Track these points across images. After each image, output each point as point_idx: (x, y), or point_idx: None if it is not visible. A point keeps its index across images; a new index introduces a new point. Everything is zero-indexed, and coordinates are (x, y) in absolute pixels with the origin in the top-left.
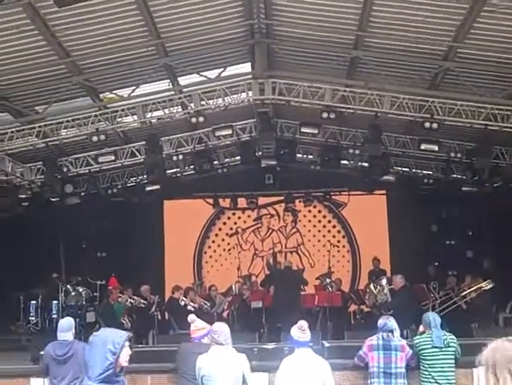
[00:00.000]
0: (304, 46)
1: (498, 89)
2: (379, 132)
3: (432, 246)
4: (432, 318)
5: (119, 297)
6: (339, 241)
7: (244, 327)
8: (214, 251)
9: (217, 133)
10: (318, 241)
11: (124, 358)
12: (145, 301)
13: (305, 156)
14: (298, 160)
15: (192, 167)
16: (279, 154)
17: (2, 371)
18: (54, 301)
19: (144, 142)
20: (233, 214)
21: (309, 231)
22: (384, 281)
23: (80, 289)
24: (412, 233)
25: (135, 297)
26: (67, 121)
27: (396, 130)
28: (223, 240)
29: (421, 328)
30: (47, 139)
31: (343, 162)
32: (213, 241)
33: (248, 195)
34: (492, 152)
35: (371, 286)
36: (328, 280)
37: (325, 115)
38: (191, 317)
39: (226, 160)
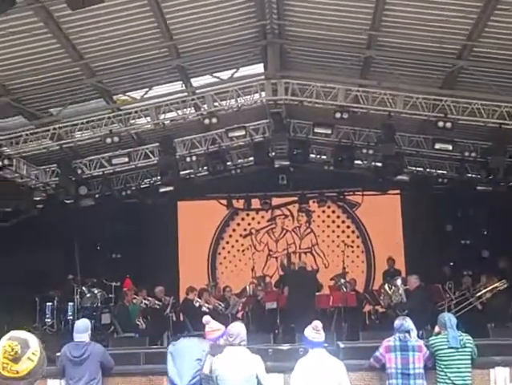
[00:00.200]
0: (317, 46)
1: None
2: (393, 132)
3: (447, 246)
4: (448, 318)
5: (134, 298)
6: (353, 242)
7: (258, 328)
8: (228, 252)
9: (231, 134)
10: (333, 241)
11: (207, 366)
12: (160, 303)
13: (318, 156)
14: (311, 161)
15: (205, 168)
16: (292, 154)
17: None
18: (70, 303)
19: (157, 143)
20: (247, 215)
21: (323, 231)
22: (399, 282)
23: (95, 291)
24: (426, 232)
25: (149, 299)
26: (81, 123)
27: (409, 129)
28: (237, 241)
29: (437, 329)
30: (61, 142)
31: (356, 162)
32: (227, 242)
33: (262, 196)
34: (507, 151)
35: (386, 287)
36: (343, 280)
37: (338, 115)
38: (206, 318)
39: (240, 160)
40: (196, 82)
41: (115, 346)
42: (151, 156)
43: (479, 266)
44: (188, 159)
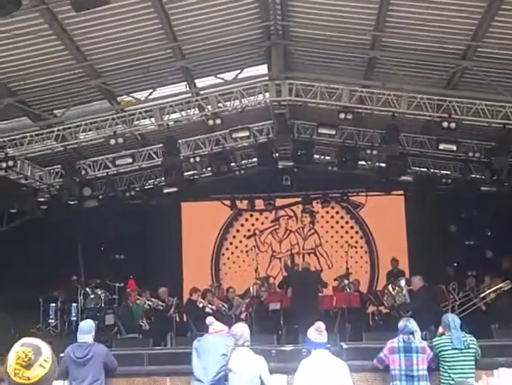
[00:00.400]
0: (321, 47)
1: None
2: (397, 132)
3: (450, 247)
4: (452, 319)
5: (138, 299)
6: (356, 242)
7: (262, 329)
8: (232, 253)
9: (234, 135)
10: (336, 242)
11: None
12: (163, 304)
13: (322, 156)
14: (315, 161)
15: (209, 169)
16: (296, 155)
17: None
18: (74, 304)
19: (161, 144)
20: (251, 216)
21: (327, 232)
22: (402, 282)
23: (99, 292)
24: (430, 233)
25: (153, 300)
26: (85, 124)
27: (413, 130)
28: (241, 241)
29: (440, 329)
30: (66, 143)
31: (360, 163)
32: (231, 243)
33: (265, 196)
34: (511, 152)
35: (390, 287)
36: (346, 281)
37: (342, 115)
38: (209, 319)
39: (243, 161)
40: (200, 83)
41: (118, 346)
42: (155, 156)
43: (483, 267)
44: (192, 160)
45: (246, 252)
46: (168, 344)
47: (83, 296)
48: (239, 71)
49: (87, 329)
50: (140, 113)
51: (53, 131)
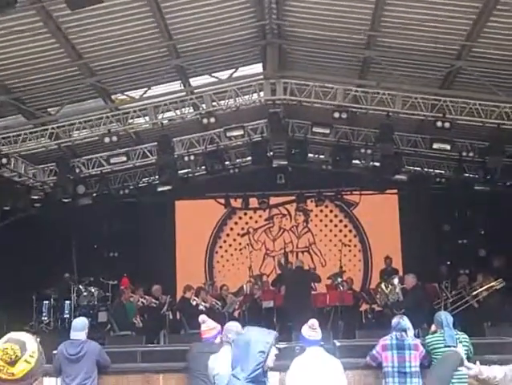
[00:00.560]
0: (316, 47)
1: (511, 88)
2: (391, 132)
3: (444, 245)
4: (444, 317)
5: (131, 297)
6: (350, 241)
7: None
8: (226, 251)
9: (229, 134)
10: (330, 240)
11: (272, 358)
12: (157, 301)
13: (316, 155)
14: (309, 160)
15: (203, 167)
16: (291, 154)
17: None
18: (67, 302)
19: (155, 143)
20: (245, 214)
21: (320, 230)
22: (395, 281)
23: (92, 289)
24: (424, 232)
25: (146, 297)
26: (79, 122)
27: (407, 129)
28: (234, 240)
29: (433, 327)
30: (60, 141)
31: (354, 162)
32: (225, 241)
33: (259, 195)
34: (504, 151)
35: (383, 285)
36: (340, 279)
37: (337, 115)
38: (202, 317)
39: (238, 160)
40: (194, 81)
41: (111, 344)
42: (149, 155)
43: (476, 265)
44: (186, 158)
45: (240, 250)
46: (161, 342)
47: (76, 293)
48: (234, 70)
49: (80, 326)
50: (135, 111)
51: (47, 129)
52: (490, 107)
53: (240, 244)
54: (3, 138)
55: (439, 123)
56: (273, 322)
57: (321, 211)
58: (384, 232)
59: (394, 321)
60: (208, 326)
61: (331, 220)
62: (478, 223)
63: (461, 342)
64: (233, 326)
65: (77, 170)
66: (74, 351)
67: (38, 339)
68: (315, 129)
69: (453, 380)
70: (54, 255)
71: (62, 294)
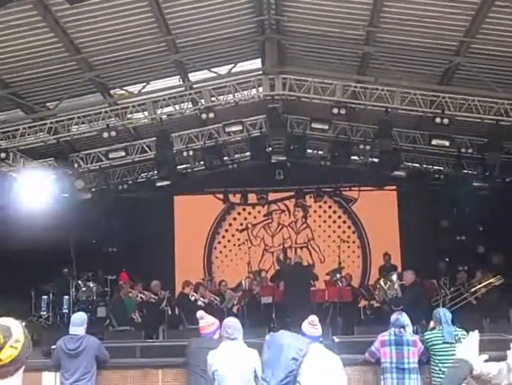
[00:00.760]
0: (315, 42)
1: (510, 84)
2: (390, 128)
3: (442, 242)
4: (443, 313)
5: (130, 292)
6: (349, 237)
7: (254, 322)
8: (224, 246)
9: (228, 129)
10: (329, 236)
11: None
12: (156, 297)
13: (315, 151)
14: (308, 156)
15: (202, 162)
16: (289, 150)
17: None
18: (65, 297)
19: (154, 138)
20: (244, 210)
21: (319, 226)
22: (394, 277)
23: (91, 285)
24: (422, 228)
25: (145, 293)
26: (78, 117)
27: (406, 125)
28: (233, 235)
29: (432, 324)
30: (58, 136)
31: (353, 157)
32: (223, 237)
33: (258, 190)
34: (503, 148)
35: (381, 282)
36: (338, 275)
37: (335, 110)
38: (200, 313)
39: (236, 155)
40: (193, 76)
41: (110, 339)
42: (148, 150)
43: (474, 262)
44: (185, 153)
45: (239, 245)
46: (160, 337)
47: (75, 288)
48: (233, 65)
49: (79, 321)
50: (134, 106)
51: (46, 124)
52: (489, 103)
53: (239, 239)
54: (2, 132)
55: (438, 120)
56: (271, 318)
57: (320, 207)
58: (382, 228)
59: (393, 317)
60: (206, 321)
61: (329, 216)
62: (477, 219)
63: (459, 338)
64: (232, 321)
65: (76, 165)
66: (73, 346)
67: (24, 324)
68: (314, 125)
69: None
70: (53, 250)
71: (60, 289)
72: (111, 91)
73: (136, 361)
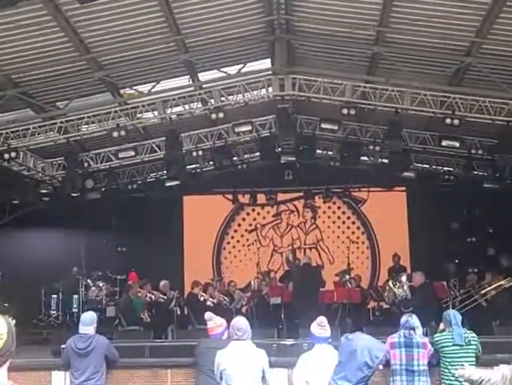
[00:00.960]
0: (324, 42)
1: None
2: (400, 128)
3: (452, 243)
4: (453, 315)
5: (139, 292)
6: (358, 238)
7: (262, 323)
8: (233, 247)
9: (237, 129)
10: (338, 237)
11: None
12: (164, 297)
13: (324, 152)
14: (317, 156)
15: (211, 163)
16: (299, 150)
17: (23, 365)
18: (75, 296)
19: (163, 138)
20: (253, 210)
21: (328, 227)
22: (403, 278)
23: (100, 284)
24: (432, 230)
25: (154, 292)
26: (88, 117)
27: (416, 126)
28: (242, 236)
29: (442, 326)
30: (68, 135)
31: (362, 158)
32: (233, 237)
33: (267, 191)
34: None
35: (390, 283)
36: (347, 276)
37: (345, 111)
38: (208, 315)
39: (246, 155)
40: (203, 76)
41: (119, 338)
42: (157, 150)
43: (484, 264)
44: (194, 153)
45: (248, 246)
46: (169, 337)
47: (85, 288)
48: (242, 65)
49: (88, 320)
50: (143, 106)
51: (56, 123)
52: (500, 104)
53: (248, 240)
54: (12, 132)
55: (448, 120)
56: (280, 319)
57: (329, 207)
58: (392, 229)
59: (403, 319)
60: (215, 322)
61: (338, 217)
62: (487, 221)
63: (469, 340)
64: (241, 322)
65: (85, 164)
66: (83, 345)
67: (12, 320)
68: (324, 125)
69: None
70: (63, 249)
71: (70, 289)
72: (121, 91)
73: (145, 361)
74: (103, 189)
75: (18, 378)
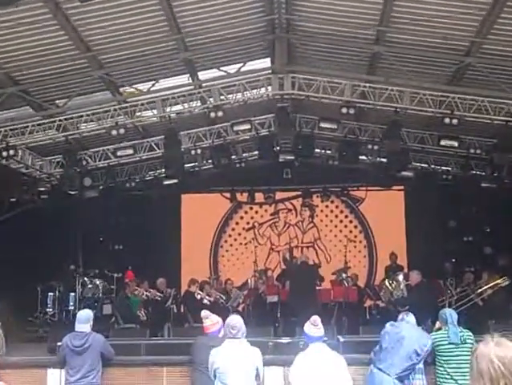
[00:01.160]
0: (324, 42)
1: None
2: (399, 128)
3: (449, 242)
4: (449, 314)
5: (136, 289)
6: (355, 237)
7: (259, 321)
8: (231, 245)
9: (236, 128)
10: (335, 236)
11: None
12: (161, 295)
13: (323, 151)
14: (316, 155)
15: (210, 161)
16: (297, 149)
17: (19, 362)
18: (72, 294)
19: (162, 136)
20: (251, 208)
21: (326, 226)
22: (400, 277)
23: (97, 282)
24: (429, 228)
25: (151, 290)
26: (87, 115)
27: (415, 125)
28: (240, 234)
29: (438, 324)
30: (67, 133)
31: (361, 157)
32: (230, 235)
33: (265, 189)
34: None
35: (387, 282)
36: (344, 275)
37: (344, 110)
38: (204, 313)
39: (244, 154)
40: (203, 75)
41: (116, 336)
42: (156, 148)
43: (481, 263)
44: (193, 152)
45: (245, 244)
46: (166, 335)
47: (81, 285)
48: (242, 64)
49: (84, 318)
50: (142, 104)
51: (54, 121)
52: (499, 104)
53: (245, 238)
54: (11, 129)
55: (447, 120)
56: (277, 317)
57: (327, 206)
58: (389, 228)
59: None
60: (212, 320)
61: (336, 216)
62: (484, 220)
63: (465, 339)
64: (235, 320)
65: (84, 162)
66: (78, 343)
67: (0, 324)
68: (323, 124)
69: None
70: (60, 247)
71: (67, 286)
72: (121, 89)
73: (140, 358)
74: (101, 187)
75: (14, 376)
